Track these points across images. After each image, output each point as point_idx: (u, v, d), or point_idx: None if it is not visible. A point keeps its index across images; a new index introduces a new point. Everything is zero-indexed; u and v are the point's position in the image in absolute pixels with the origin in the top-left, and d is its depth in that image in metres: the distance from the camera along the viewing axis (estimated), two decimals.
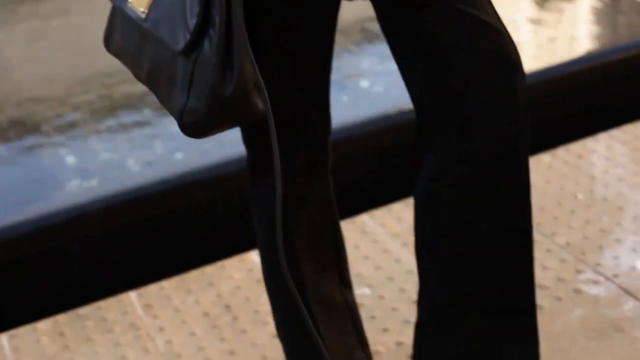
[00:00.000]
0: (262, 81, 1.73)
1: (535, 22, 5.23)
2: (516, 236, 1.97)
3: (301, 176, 2.03)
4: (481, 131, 1.89)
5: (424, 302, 2.05)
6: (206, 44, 1.69)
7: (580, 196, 3.14)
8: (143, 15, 1.80)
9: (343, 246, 2.22)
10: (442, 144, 1.91)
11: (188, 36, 1.69)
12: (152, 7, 1.79)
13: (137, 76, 1.90)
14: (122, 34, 1.92)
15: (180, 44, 1.71)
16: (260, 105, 1.74)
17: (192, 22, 1.69)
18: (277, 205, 1.71)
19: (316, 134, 2.05)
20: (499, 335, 2.00)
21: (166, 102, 1.81)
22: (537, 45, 4.96)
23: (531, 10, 5.47)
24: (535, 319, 2.04)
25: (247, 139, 2.04)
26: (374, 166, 3.44)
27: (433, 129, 1.92)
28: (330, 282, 2.17)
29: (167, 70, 1.77)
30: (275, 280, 2.10)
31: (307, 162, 2.03)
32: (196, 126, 1.77)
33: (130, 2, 1.83)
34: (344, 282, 2.24)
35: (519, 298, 2.01)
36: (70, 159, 3.61)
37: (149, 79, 1.86)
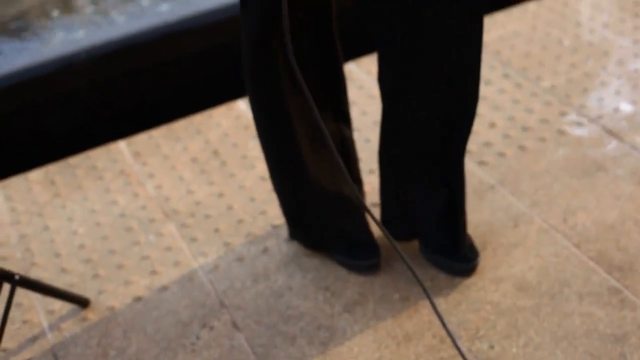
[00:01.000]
0: None
1: None
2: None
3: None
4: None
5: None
6: None
7: (566, 42, 3.14)
8: None
9: (342, 79, 2.23)
10: None
11: None
12: None
13: None
14: None
15: None
16: None
17: None
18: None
19: None
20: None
21: None
22: None
23: None
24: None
25: None
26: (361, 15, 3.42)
27: None
28: (323, 113, 2.19)
29: None
30: (264, 104, 2.11)
31: None
32: None
33: None
34: (341, 115, 2.26)
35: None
36: (55, 13, 3.59)
37: None
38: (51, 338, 2.24)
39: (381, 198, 2.27)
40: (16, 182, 2.85)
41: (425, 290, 1.84)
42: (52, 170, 2.88)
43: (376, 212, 2.46)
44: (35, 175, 2.87)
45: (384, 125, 2.14)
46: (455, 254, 2.26)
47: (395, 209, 2.26)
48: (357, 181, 2.35)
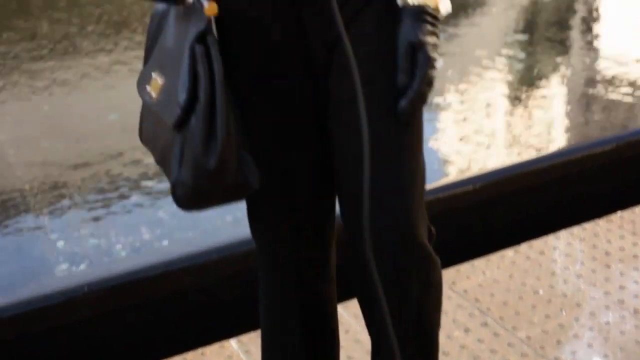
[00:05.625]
0: (247, 154, 1.85)
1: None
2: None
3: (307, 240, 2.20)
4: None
5: None
6: (193, 119, 1.80)
7: (541, 292, 3.33)
8: (154, 100, 1.90)
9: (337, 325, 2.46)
10: None
11: (178, 111, 1.80)
12: (161, 90, 1.89)
13: (156, 160, 1.99)
14: (146, 122, 2.02)
15: (173, 119, 1.82)
16: (251, 180, 1.84)
17: (182, 97, 1.80)
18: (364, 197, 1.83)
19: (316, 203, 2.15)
20: None
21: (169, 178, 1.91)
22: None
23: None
24: None
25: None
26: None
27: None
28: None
29: (170, 148, 1.87)
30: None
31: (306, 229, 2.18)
32: (186, 198, 1.87)
33: (149, 89, 1.93)
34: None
35: None
36: (60, 243, 3.78)
37: (161, 161, 1.95)
38: None
39: None
40: None
41: None
42: None
43: None
44: None
45: None
46: None
47: None
48: None
